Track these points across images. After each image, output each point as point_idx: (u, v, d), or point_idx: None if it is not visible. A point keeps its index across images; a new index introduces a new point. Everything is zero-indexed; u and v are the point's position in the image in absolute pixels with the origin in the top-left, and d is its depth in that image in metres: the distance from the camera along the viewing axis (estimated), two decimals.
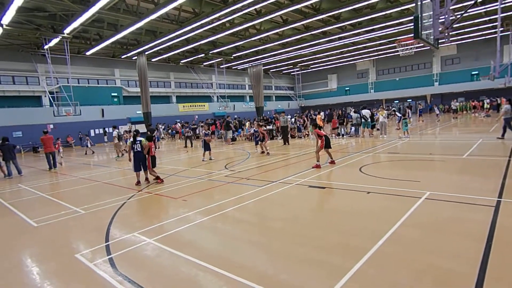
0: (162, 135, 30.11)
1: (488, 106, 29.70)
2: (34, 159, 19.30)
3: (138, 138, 8.45)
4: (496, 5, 16.45)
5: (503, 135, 11.85)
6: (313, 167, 8.88)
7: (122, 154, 16.32)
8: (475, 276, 2.89)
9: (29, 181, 10.77)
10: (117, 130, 16.94)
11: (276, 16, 20.61)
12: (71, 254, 4.13)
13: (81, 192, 8.34)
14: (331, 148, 9.34)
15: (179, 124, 29.13)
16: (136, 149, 8.30)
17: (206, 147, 12.16)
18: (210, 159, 12.45)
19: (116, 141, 16.48)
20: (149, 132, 17.48)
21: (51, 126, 25.36)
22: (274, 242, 4.10)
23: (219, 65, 36.69)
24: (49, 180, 11.04)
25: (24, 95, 27.20)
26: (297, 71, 49.61)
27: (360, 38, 29.50)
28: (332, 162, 9.29)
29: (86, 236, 4.88)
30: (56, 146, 16.28)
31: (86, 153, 19.87)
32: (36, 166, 15.40)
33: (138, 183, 8.44)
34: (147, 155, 8.48)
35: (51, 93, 26.18)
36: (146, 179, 8.74)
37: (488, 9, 22.07)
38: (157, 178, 8.61)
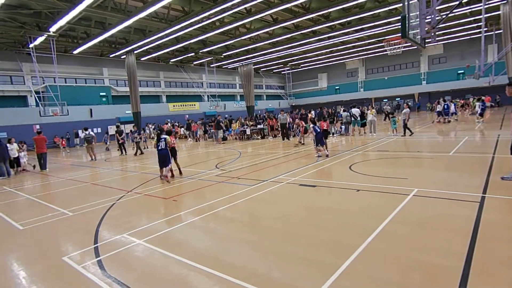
0: (152, 134, 29.80)
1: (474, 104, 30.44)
2: None
3: (163, 136, 8.67)
4: (480, 6, 16.88)
5: (404, 133, 14.51)
6: None
7: (95, 158, 15.59)
8: (461, 270, 2.96)
9: (15, 183, 10.50)
10: (86, 132, 15.86)
11: (266, 15, 20.62)
12: (59, 257, 4.05)
13: (69, 194, 8.19)
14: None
15: (169, 124, 28.85)
16: (161, 147, 8.54)
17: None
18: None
19: (94, 142, 15.75)
20: (117, 134, 17.05)
21: (37, 126, 24.77)
22: (265, 241, 4.11)
23: (209, 64, 36.50)
24: (36, 181, 10.79)
25: (9, 95, 26.46)
26: (288, 70, 49.76)
27: (349, 37, 29.80)
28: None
29: (74, 238, 4.78)
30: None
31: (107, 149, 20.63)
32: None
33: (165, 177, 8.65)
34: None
35: (37, 92, 25.55)
36: (165, 176, 8.60)
37: (473, 9, 22.62)
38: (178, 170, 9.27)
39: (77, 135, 27.05)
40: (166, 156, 8.57)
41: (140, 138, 16.43)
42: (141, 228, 4.88)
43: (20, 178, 11.62)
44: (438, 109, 20.53)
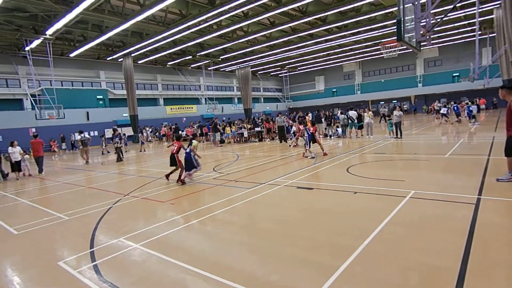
0: (150, 137, 29.72)
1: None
2: None
3: (193, 141, 8.71)
4: (474, 10, 17.09)
5: (396, 135, 14.78)
6: None
7: (87, 162, 15.56)
8: (457, 270, 2.97)
9: (10, 187, 10.41)
10: (82, 135, 16.04)
11: (263, 18, 20.74)
12: (54, 261, 4.01)
13: (65, 198, 8.12)
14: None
15: (166, 127, 28.78)
16: (187, 150, 8.50)
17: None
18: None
19: (82, 146, 15.80)
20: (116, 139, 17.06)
21: (33, 130, 24.60)
22: (263, 244, 4.10)
23: (207, 67, 36.57)
24: (31, 185, 10.69)
25: (4, 98, 26.32)
26: (285, 73, 49.97)
27: (346, 40, 30.02)
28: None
29: (70, 243, 4.74)
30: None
31: (102, 153, 20.41)
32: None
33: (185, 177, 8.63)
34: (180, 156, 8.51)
35: (33, 96, 25.40)
36: (180, 180, 8.44)
37: (467, 13, 22.89)
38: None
39: (63, 140, 26.64)
40: (186, 160, 8.34)
41: (125, 143, 16.24)
42: (138, 232, 4.85)
43: (15, 182, 11.51)
44: (442, 111, 21.34)
